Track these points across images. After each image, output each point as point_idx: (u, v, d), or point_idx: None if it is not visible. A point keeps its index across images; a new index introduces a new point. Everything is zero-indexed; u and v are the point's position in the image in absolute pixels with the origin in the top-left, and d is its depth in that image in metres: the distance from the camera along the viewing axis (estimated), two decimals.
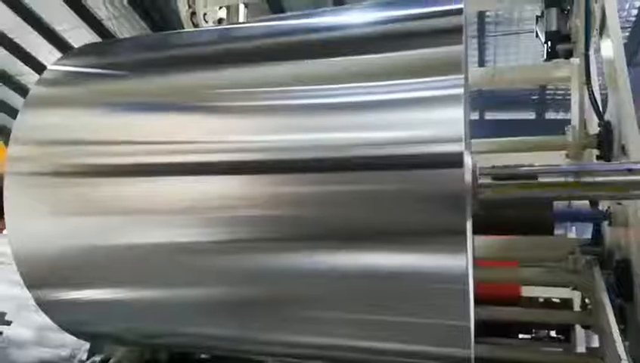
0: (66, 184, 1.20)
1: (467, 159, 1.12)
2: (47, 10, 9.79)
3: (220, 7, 3.11)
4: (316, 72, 1.08)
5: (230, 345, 1.35)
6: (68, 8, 9.52)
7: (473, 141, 3.15)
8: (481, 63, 10.10)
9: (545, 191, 1.21)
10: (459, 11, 1.03)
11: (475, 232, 1.77)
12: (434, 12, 1.09)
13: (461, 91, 0.92)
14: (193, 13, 2.89)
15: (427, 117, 0.93)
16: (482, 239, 2.63)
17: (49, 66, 1.38)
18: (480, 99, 10.87)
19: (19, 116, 1.29)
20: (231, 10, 3.17)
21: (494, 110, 11.68)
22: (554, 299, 3.45)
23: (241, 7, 3.21)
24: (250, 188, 1.02)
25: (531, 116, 11.82)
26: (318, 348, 1.20)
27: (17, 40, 10.68)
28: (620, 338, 1.92)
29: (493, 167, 1.25)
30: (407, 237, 0.93)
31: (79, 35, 9.83)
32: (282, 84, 1.08)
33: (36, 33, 10.23)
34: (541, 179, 1.20)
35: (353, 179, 0.95)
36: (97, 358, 2.04)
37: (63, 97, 1.31)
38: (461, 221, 0.88)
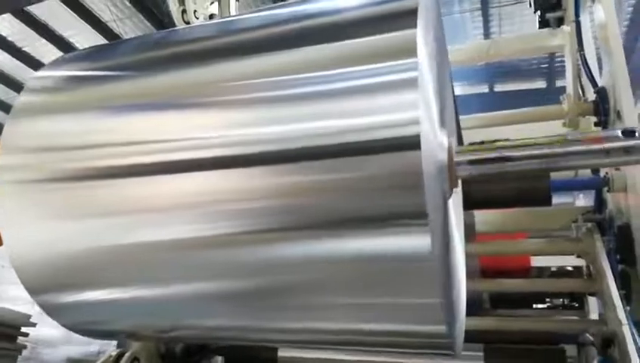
0: (60, 189, 1.21)
1: (441, 139, 1.13)
2: (53, 17, 9.90)
3: (212, 3, 3.11)
4: (269, 65, 1.10)
5: (232, 335, 1.40)
6: (73, 13, 9.62)
7: (470, 116, 3.14)
8: (487, 34, 9.95)
9: (521, 164, 1.19)
10: None
11: (472, 208, 1.76)
12: None
13: (414, 74, 0.93)
14: (184, 11, 2.90)
15: (382, 103, 0.94)
16: (484, 214, 2.64)
17: (33, 74, 1.40)
18: (488, 71, 10.71)
19: (7, 125, 1.30)
20: (222, 4, 3.16)
21: (503, 81, 11.51)
22: (567, 268, 3.45)
23: (232, 0, 3.19)
24: (217, 182, 1.05)
25: (542, 85, 11.62)
26: (309, 332, 1.24)
27: (26, 49, 10.84)
28: (621, 302, 1.92)
29: (471, 144, 1.24)
30: (375, 222, 0.95)
31: (86, 39, 9.94)
32: (237, 78, 1.10)
33: (44, 40, 10.36)
34: (518, 153, 1.18)
35: (324, 168, 0.97)
36: (114, 352, 2.08)
37: (51, 103, 1.33)
38: (422, 201, 0.89)
